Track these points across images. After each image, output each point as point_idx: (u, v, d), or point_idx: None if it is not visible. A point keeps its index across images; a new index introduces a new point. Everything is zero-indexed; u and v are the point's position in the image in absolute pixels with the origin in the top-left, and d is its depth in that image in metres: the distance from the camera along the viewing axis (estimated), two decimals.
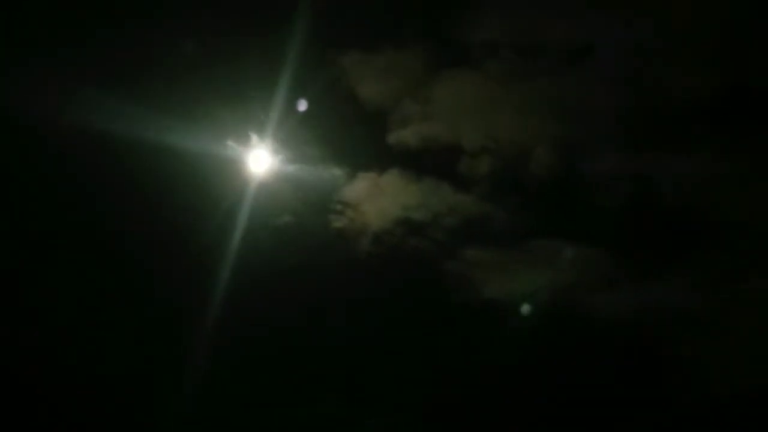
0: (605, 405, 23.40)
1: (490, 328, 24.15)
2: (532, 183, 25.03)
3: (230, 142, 24.48)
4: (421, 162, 25.44)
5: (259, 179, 24.76)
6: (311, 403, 23.78)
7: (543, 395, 23.72)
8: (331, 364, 24.07)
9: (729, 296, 23.44)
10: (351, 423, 23.71)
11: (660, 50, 24.69)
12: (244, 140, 24.68)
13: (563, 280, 24.37)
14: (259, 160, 24.79)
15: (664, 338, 23.65)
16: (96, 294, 23.90)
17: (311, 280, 24.33)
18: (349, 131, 25.36)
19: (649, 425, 23.13)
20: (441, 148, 25.51)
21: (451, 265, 24.87)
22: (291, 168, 24.92)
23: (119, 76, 24.06)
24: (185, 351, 23.38)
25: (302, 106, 24.39)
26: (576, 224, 24.79)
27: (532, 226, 24.92)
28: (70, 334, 23.56)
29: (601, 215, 24.66)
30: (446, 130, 25.59)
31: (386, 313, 24.25)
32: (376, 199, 25.32)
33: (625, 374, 23.60)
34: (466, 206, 25.17)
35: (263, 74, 24.72)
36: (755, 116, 23.79)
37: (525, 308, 24.46)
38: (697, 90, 24.15)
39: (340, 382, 24.11)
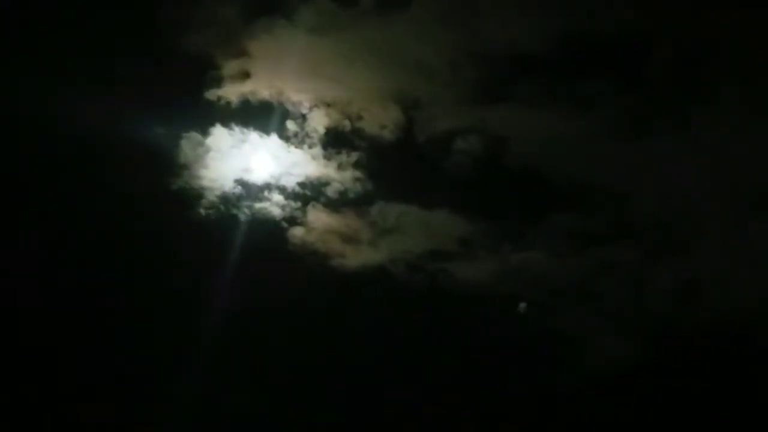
0: (471, 380, 21.89)
1: (344, 300, 22.13)
2: (370, 142, 23.40)
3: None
4: (245, 120, 23.26)
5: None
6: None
7: (402, 370, 21.85)
8: (171, 334, 21.24)
9: (589, 263, 22.80)
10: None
11: None
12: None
13: (417, 248, 22.81)
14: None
15: (529, 308, 22.66)
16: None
17: (151, 246, 21.67)
18: (167, 88, 22.81)
19: (516, 401, 21.91)
20: (265, 104, 23.48)
21: (297, 231, 22.69)
22: (114, 130, 22.05)
23: None
24: None
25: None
26: (422, 186, 23.33)
27: (376, 188, 23.18)
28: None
29: (448, 176, 23.40)
30: (268, 85, 23.46)
31: (233, 281, 21.78)
32: (208, 160, 22.76)
33: (491, 347, 22.09)
34: (303, 166, 23.13)
35: (77, 32, 22.57)
36: (601, 67, 23.42)
37: (522, 306, 22.59)
38: (534, 39, 23.58)
39: (182, 351, 21.27)
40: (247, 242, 22.32)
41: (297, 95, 23.44)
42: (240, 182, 22.78)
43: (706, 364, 21.67)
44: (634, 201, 22.93)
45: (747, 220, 22.14)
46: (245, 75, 23.46)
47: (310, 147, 23.23)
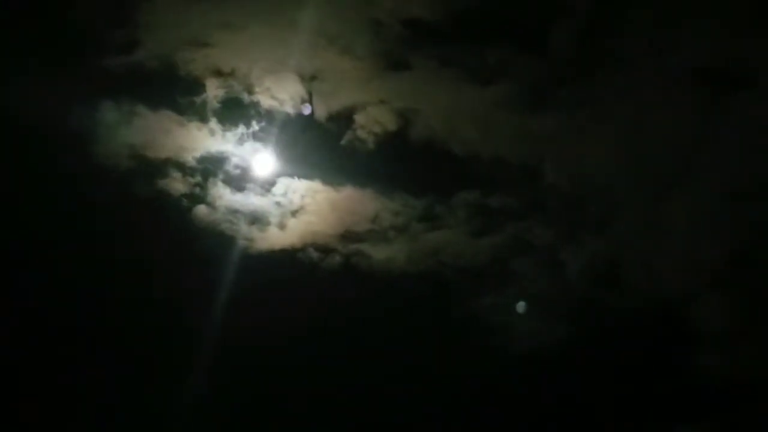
0: (390, 366, 20.90)
1: (257, 285, 20.88)
2: (269, 116, 21.98)
3: None
4: (134, 92, 21.47)
5: None
6: None
7: (317, 357, 20.76)
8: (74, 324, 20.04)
9: (504, 242, 21.90)
10: None
11: None
12: None
13: (328, 229, 21.63)
14: None
15: (453, 292, 21.64)
16: None
17: (46, 231, 20.13)
18: (48, 61, 21.07)
19: (436, 385, 20.95)
20: (155, 75, 21.73)
21: (201, 210, 21.24)
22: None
23: None
24: None
25: None
26: (326, 163, 22.12)
27: (278, 164, 21.90)
28: None
29: (352, 152, 22.17)
30: (157, 55, 21.76)
31: (140, 264, 20.36)
32: (98, 137, 20.98)
33: (410, 331, 21.14)
34: (200, 141, 21.61)
35: None
36: (506, 35, 22.49)
37: (521, 306, 21.44)
38: (436, 5, 22.41)
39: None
40: (150, 222, 20.79)
41: (188, 65, 21.98)
42: (136, 159, 21.21)
43: (629, 346, 21.31)
44: (546, 176, 22.25)
45: (663, 198, 21.77)
46: (132, 44, 21.76)
47: (205, 120, 21.83)
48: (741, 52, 21.96)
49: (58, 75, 20.83)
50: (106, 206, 20.51)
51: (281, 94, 22.04)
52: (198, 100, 21.74)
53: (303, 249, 21.32)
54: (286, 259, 21.16)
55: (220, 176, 21.51)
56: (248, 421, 20.19)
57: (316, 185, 21.82)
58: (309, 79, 22.23)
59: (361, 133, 22.16)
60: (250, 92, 21.96)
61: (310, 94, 22.13)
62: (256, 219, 21.35)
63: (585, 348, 21.01)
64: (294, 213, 21.67)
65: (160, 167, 21.22)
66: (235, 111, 21.87)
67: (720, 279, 20.82)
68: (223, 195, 21.39)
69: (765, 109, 21.55)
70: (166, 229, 20.75)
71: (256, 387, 20.37)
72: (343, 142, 22.10)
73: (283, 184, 21.73)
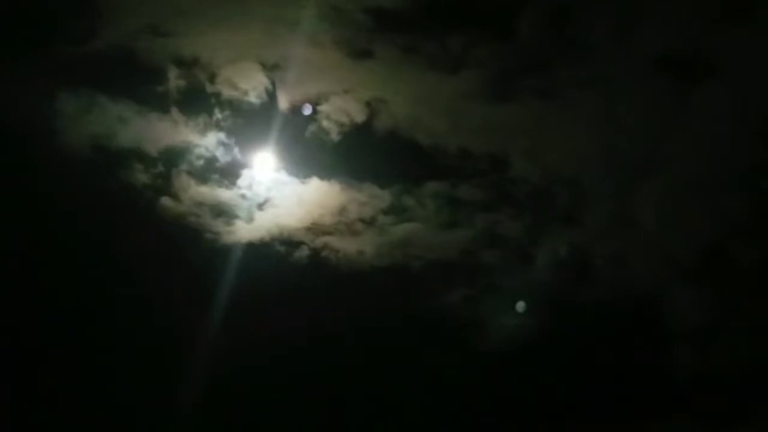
0: (368, 362, 20.20)
1: (232, 279, 20.19)
2: (232, 106, 21.55)
3: None
4: (94, 82, 20.98)
5: None
6: None
7: (294, 352, 19.91)
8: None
9: (473, 234, 21.63)
10: None
11: None
12: None
13: (294, 222, 21.15)
14: None
15: (422, 285, 21.14)
16: None
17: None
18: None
19: (413, 381, 20.55)
20: (115, 64, 21.32)
21: (170, 204, 20.61)
22: None
23: None
24: None
25: None
26: (291, 154, 21.66)
27: (242, 156, 21.44)
28: None
29: (316, 143, 21.81)
30: (117, 44, 21.39)
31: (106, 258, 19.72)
32: (57, 127, 20.43)
33: (387, 327, 20.64)
34: (163, 131, 21.12)
35: None
36: (471, 22, 22.35)
37: (520, 305, 20.80)
38: None
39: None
40: (114, 216, 20.13)
41: (149, 54, 21.52)
42: (96, 150, 20.64)
43: (601, 341, 21.04)
44: (513, 167, 22.06)
45: (633, 189, 21.57)
46: (90, 32, 21.36)
47: (167, 110, 21.33)
48: (706, 41, 22.03)
49: (14, 64, 20.36)
50: (67, 199, 19.81)
51: (244, 83, 21.69)
52: (159, 89, 21.36)
53: (270, 243, 20.97)
54: (254, 253, 20.68)
55: (184, 167, 21.04)
56: (210, 413, 19.83)
57: (281, 177, 21.43)
58: (271, 68, 22.00)
59: (326, 124, 21.83)
60: (212, 81, 21.59)
61: (273, 84, 21.86)
62: (222, 212, 20.90)
63: (556, 343, 20.83)
64: (260, 206, 21.26)
65: (122, 159, 20.69)
66: (197, 101, 21.46)
67: (692, 273, 20.74)
68: (188, 187, 20.88)
69: (732, 99, 21.62)
70: (131, 222, 20.15)
71: (221, 380, 19.82)
72: (307, 132, 21.85)
73: (248, 175, 21.30)
